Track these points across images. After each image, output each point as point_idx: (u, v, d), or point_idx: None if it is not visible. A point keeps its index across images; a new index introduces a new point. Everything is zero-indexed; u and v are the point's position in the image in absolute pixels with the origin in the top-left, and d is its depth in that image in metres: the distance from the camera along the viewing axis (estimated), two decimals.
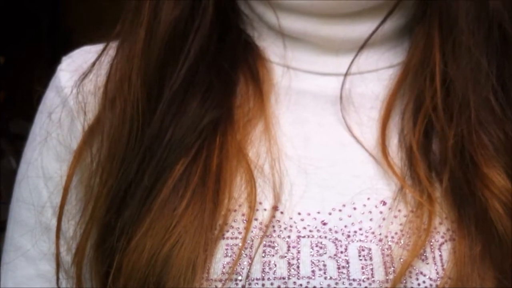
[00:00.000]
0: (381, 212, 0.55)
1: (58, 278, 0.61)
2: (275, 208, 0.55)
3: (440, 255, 0.54)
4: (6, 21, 2.67)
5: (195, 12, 0.59)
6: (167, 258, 0.53)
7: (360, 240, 0.54)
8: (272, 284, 0.53)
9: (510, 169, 0.55)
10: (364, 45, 0.61)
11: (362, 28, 0.60)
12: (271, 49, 0.62)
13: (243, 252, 0.53)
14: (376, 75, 0.62)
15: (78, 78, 0.61)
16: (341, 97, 0.60)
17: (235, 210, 0.55)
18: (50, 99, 0.63)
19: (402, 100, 0.60)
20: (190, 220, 0.54)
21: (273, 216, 0.54)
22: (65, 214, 0.60)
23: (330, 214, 0.55)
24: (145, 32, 0.59)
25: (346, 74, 0.61)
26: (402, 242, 0.54)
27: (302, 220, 0.55)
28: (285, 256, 0.53)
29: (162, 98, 0.58)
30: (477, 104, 0.56)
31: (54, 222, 0.61)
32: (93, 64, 0.61)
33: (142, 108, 0.57)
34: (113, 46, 0.61)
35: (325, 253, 0.53)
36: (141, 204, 0.56)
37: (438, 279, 0.53)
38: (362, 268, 0.53)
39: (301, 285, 0.53)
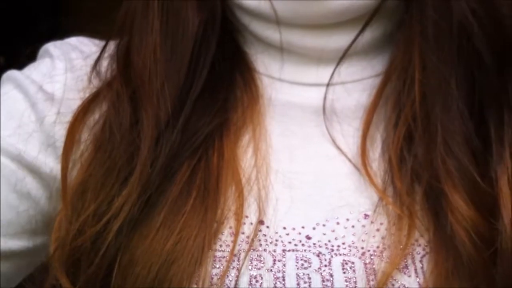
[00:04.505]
0: (363, 226, 0.56)
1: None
2: (261, 222, 0.56)
3: (422, 267, 0.55)
4: (6, 21, 2.67)
5: (214, 14, 0.60)
6: (174, 253, 0.54)
7: (344, 254, 0.55)
8: None
9: (474, 197, 0.54)
10: (343, 56, 0.60)
11: (346, 38, 0.60)
12: (258, 59, 0.63)
13: (230, 264, 0.54)
14: (360, 84, 0.62)
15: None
16: (324, 108, 0.60)
17: (222, 223, 0.56)
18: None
19: (386, 108, 0.60)
20: (196, 219, 0.55)
21: (260, 230, 0.56)
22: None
23: (314, 229, 0.56)
24: (160, 32, 0.58)
25: (328, 85, 0.61)
26: (384, 255, 0.55)
27: (288, 234, 0.56)
28: (271, 269, 0.55)
29: (186, 96, 0.58)
30: (445, 126, 0.56)
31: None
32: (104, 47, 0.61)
33: (171, 107, 0.57)
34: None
35: (310, 267, 0.55)
36: (149, 202, 0.56)
37: None
38: (346, 280, 0.54)
39: None
